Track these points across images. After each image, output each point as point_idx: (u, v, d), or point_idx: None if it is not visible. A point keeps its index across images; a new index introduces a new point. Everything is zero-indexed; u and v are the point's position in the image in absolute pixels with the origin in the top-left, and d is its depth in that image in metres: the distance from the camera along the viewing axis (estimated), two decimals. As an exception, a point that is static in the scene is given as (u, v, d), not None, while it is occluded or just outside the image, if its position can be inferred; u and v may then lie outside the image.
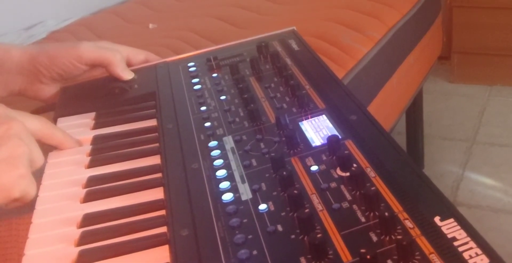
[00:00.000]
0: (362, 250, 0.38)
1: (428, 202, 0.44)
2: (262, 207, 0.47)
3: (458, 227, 0.41)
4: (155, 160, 0.60)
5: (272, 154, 0.52)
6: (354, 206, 0.45)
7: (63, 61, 0.74)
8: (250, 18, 1.30)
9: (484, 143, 1.87)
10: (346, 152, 0.50)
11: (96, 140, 0.65)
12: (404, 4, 1.32)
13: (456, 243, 0.40)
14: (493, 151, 1.82)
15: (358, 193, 0.47)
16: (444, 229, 0.41)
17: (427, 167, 1.77)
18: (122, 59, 0.77)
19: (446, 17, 2.08)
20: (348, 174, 0.49)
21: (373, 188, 0.45)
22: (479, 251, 0.39)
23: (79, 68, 0.75)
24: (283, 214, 0.46)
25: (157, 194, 0.54)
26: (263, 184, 0.50)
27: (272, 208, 0.47)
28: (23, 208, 0.53)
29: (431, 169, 1.75)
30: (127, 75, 0.77)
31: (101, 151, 0.63)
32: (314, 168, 0.51)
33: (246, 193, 0.50)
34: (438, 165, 1.78)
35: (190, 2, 1.51)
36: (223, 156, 0.56)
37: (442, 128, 1.97)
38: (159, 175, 0.57)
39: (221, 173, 0.53)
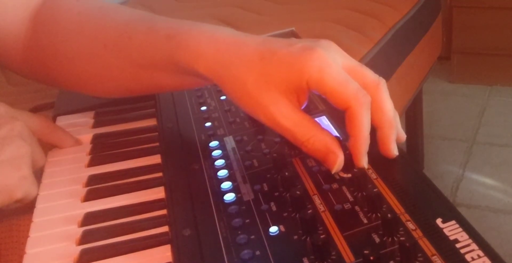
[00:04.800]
0: (366, 251, 0.38)
1: (430, 203, 0.44)
2: (264, 207, 0.47)
3: (460, 229, 0.41)
4: (155, 159, 0.60)
5: (274, 154, 0.52)
6: (356, 207, 0.45)
7: None
8: (250, 18, 1.30)
9: (484, 143, 1.87)
10: (347, 153, 0.50)
11: (96, 139, 0.65)
12: (404, 4, 1.32)
13: (458, 245, 0.40)
14: (493, 151, 1.83)
15: (360, 194, 0.46)
16: (446, 231, 0.41)
17: (427, 167, 1.77)
18: None
19: (446, 17, 2.09)
20: (349, 175, 0.49)
21: (375, 190, 0.45)
22: (481, 253, 0.39)
23: None
24: (285, 214, 0.46)
25: (158, 193, 0.54)
26: (265, 185, 0.50)
27: (274, 209, 0.47)
28: (24, 208, 0.53)
29: (431, 169, 1.75)
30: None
31: (101, 149, 0.63)
32: (315, 168, 0.51)
33: (248, 193, 0.50)
34: (438, 165, 1.79)
35: (190, 2, 1.51)
36: (224, 156, 0.56)
37: (442, 128, 1.97)
38: (160, 174, 0.57)
39: (222, 173, 0.53)
